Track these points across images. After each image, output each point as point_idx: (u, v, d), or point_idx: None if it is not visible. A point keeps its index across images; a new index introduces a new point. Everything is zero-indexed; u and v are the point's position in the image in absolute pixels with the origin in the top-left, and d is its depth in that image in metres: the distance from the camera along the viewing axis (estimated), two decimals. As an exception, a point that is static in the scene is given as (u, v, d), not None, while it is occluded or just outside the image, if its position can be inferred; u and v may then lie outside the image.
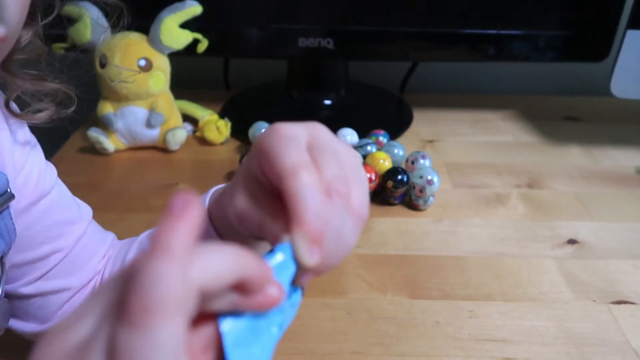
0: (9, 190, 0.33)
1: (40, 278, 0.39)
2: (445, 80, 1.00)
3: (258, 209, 0.28)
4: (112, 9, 0.35)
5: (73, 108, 0.37)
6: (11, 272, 0.37)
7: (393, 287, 0.54)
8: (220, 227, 0.36)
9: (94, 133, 0.73)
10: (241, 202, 0.29)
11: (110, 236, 0.45)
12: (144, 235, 0.44)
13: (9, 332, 0.40)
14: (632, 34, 0.69)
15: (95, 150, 0.75)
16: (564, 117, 0.89)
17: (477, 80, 1.00)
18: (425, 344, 0.48)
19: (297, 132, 0.28)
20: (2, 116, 0.36)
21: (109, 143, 0.74)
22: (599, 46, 0.77)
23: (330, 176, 0.26)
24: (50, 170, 0.40)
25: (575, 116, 0.89)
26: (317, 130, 0.29)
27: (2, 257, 0.34)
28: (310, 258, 0.25)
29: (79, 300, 0.41)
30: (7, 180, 0.33)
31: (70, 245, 0.40)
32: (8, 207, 0.33)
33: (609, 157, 0.78)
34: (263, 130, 0.73)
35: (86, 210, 0.43)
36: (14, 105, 0.34)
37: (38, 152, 0.40)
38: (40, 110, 0.32)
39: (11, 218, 0.34)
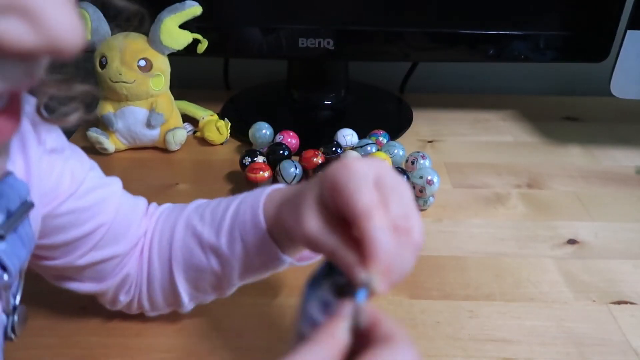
0: (28, 199, 0.34)
1: (91, 250, 0.42)
2: (445, 80, 1.00)
3: (331, 237, 0.32)
4: (134, 15, 0.35)
5: (96, 114, 0.39)
6: (65, 249, 0.41)
7: (393, 287, 0.54)
8: (278, 238, 0.40)
9: (94, 133, 0.73)
10: (313, 227, 0.33)
11: (141, 201, 0.48)
12: (191, 207, 0.46)
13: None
14: (632, 34, 0.69)
15: (95, 150, 0.75)
16: (564, 117, 0.89)
17: (477, 80, 1.00)
18: (425, 344, 0.48)
19: (366, 170, 0.32)
20: (29, 124, 0.36)
21: (109, 143, 0.74)
22: (599, 46, 0.77)
23: (396, 214, 0.31)
24: (83, 160, 0.43)
25: (575, 116, 0.89)
26: (382, 168, 0.33)
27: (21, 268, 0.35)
28: (383, 288, 0.30)
29: (129, 263, 0.46)
30: (28, 189, 0.34)
31: (111, 218, 0.43)
32: (28, 215, 0.34)
33: (609, 157, 0.78)
34: (263, 130, 0.73)
35: (116, 183, 0.46)
36: (43, 111, 0.35)
37: (71, 154, 0.42)
38: (68, 113, 0.33)
39: (30, 225, 0.35)
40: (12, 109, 0.23)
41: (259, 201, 0.41)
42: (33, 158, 0.36)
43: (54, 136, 0.39)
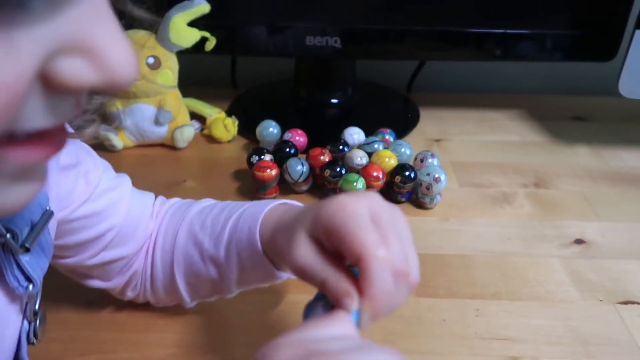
0: (48, 208, 0.34)
1: (101, 251, 0.43)
2: (452, 79, 1.00)
3: (321, 268, 0.33)
4: (151, 25, 0.36)
5: (116, 123, 0.39)
6: (75, 249, 0.42)
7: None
8: (274, 258, 0.41)
9: (103, 130, 0.74)
10: (303, 258, 0.33)
11: (149, 199, 0.48)
12: (194, 211, 0.46)
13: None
14: (640, 34, 0.69)
15: (103, 147, 0.75)
16: (572, 117, 0.89)
17: (484, 79, 1.00)
18: (432, 342, 0.48)
19: (361, 210, 0.32)
20: None
21: (117, 140, 0.75)
22: (607, 46, 0.76)
23: (396, 255, 0.32)
24: (97, 163, 0.44)
25: (582, 116, 0.89)
26: (376, 204, 0.33)
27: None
28: (366, 325, 0.31)
29: (136, 263, 0.47)
30: (48, 197, 0.34)
31: (121, 220, 0.44)
32: (48, 224, 0.35)
33: (616, 157, 0.78)
34: (271, 129, 0.73)
35: (126, 183, 0.46)
36: None
37: (86, 156, 0.42)
38: (84, 127, 0.33)
39: (50, 234, 0.36)
40: (56, 132, 0.23)
41: (256, 221, 0.41)
42: (51, 170, 0.36)
43: (66, 151, 0.39)
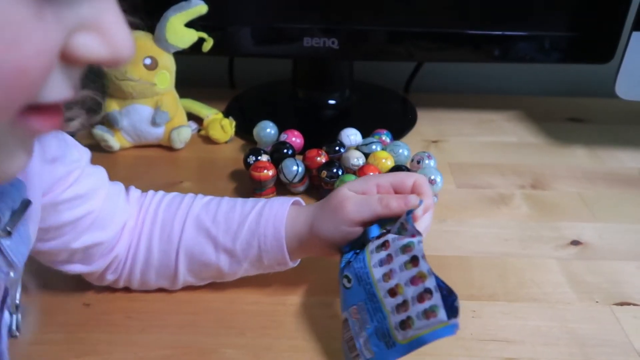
0: (26, 197, 0.35)
1: (84, 233, 0.45)
2: (450, 80, 1.00)
3: (370, 205, 0.46)
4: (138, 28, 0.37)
5: (102, 114, 0.42)
6: (61, 230, 0.44)
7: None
8: (291, 249, 0.49)
9: (100, 131, 0.74)
10: (356, 208, 0.46)
11: (121, 186, 0.51)
12: (199, 206, 0.50)
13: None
14: (637, 36, 0.69)
15: (100, 148, 0.75)
16: (569, 118, 0.89)
17: (481, 80, 1.00)
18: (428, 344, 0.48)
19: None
20: None
21: (115, 141, 0.75)
22: (604, 48, 0.76)
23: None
24: (79, 148, 0.46)
25: (580, 117, 0.89)
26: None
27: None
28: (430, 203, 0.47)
29: (117, 247, 0.49)
30: (25, 187, 0.35)
31: (100, 204, 0.46)
32: (25, 214, 0.35)
33: (613, 158, 0.78)
34: (268, 129, 0.73)
35: (103, 171, 0.49)
36: None
37: (72, 141, 0.45)
38: (71, 119, 0.34)
39: (27, 224, 0.36)
40: (61, 108, 0.26)
41: (282, 218, 0.48)
42: (34, 164, 0.37)
43: (55, 144, 0.42)
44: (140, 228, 0.50)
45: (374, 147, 0.68)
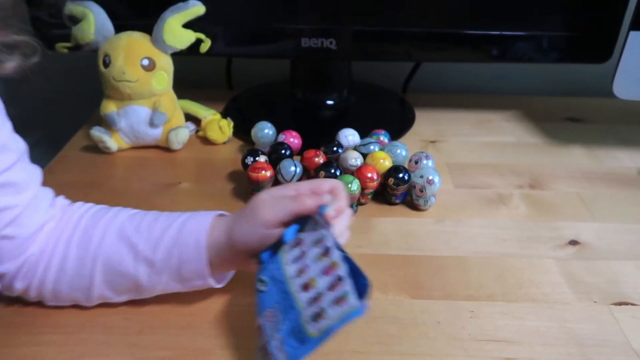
0: None
1: (4, 227, 0.44)
2: (448, 80, 1.00)
3: (286, 206, 0.45)
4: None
5: (37, 58, 0.42)
6: None
7: (394, 287, 0.54)
8: (213, 262, 0.47)
9: (97, 132, 0.74)
10: (272, 212, 0.45)
11: (49, 190, 0.50)
12: (124, 216, 0.49)
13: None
14: (635, 36, 0.69)
15: (98, 149, 0.75)
16: (567, 118, 0.89)
17: (480, 80, 1.00)
18: (426, 344, 0.48)
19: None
20: None
21: (112, 142, 0.75)
22: (602, 47, 0.76)
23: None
24: (16, 139, 0.46)
25: (578, 117, 0.89)
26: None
27: None
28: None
29: (29, 249, 0.47)
30: None
31: (28, 200, 0.46)
32: None
33: (611, 158, 0.78)
34: (266, 130, 0.73)
35: (39, 170, 0.49)
36: None
37: (8, 125, 0.45)
38: (4, 61, 0.34)
39: None
40: None
41: (205, 228, 0.47)
42: None
43: (3, 133, 0.42)
44: (60, 233, 0.49)
45: (372, 147, 0.68)
